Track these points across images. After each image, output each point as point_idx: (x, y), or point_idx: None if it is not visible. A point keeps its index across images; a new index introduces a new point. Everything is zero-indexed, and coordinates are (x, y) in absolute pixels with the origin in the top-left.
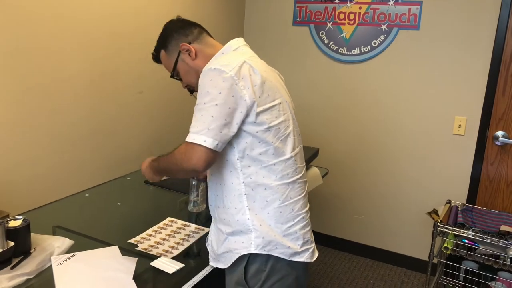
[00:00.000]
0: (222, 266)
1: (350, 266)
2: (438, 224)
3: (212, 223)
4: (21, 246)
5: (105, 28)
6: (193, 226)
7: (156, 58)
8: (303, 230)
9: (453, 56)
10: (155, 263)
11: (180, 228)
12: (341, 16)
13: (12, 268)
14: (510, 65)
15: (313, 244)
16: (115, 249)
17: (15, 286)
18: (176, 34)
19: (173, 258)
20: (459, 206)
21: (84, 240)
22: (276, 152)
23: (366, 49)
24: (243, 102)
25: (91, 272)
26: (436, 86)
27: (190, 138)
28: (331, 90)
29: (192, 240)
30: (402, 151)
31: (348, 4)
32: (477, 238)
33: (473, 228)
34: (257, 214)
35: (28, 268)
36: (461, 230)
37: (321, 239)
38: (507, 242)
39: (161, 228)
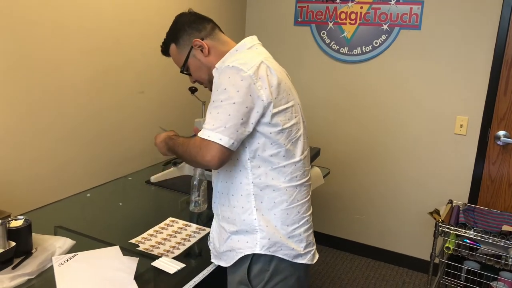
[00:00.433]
0: (224, 264)
1: (352, 266)
2: (439, 224)
3: (214, 220)
4: (22, 246)
5: (107, 25)
6: (194, 226)
7: (165, 51)
8: (306, 233)
9: (455, 56)
10: (156, 263)
11: (181, 228)
12: (343, 16)
13: (14, 268)
14: None
15: (314, 247)
16: (116, 249)
17: (17, 286)
18: (188, 28)
19: (174, 258)
20: (460, 206)
21: (85, 240)
22: (287, 155)
23: (367, 49)
24: (260, 102)
25: (92, 272)
26: (438, 85)
27: (204, 134)
28: (332, 90)
29: (193, 240)
30: (404, 151)
31: (350, 4)
32: (478, 238)
33: (475, 228)
34: (264, 215)
35: (29, 268)
36: (463, 230)
37: (323, 239)
38: (508, 242)
39: (162, 228)
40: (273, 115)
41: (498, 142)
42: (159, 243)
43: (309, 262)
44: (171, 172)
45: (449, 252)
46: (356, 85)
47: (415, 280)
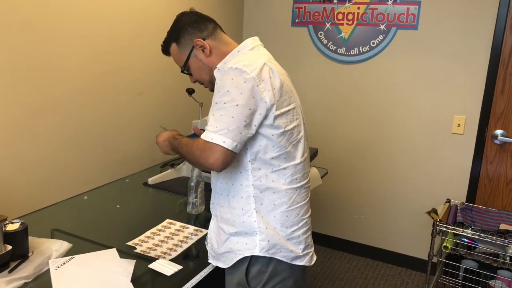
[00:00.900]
0: (222, 265)
1: (350, 266)
2: (437, 223)
3: (212, 221)
4: (18, 249)
5: (106, 29)
6: (191, 228)
7: (166, 50)
8: (305, 235)
9: (452, 55)
10: (153, 265)
11: (178, 230)
12: (340, 16)
13: (10, 271)
14: (509, 63)
15: (312, 249)
16: (113, 251)
17: None
18: (190, 28)
19: (171, 260)
20: (458, 205)
21: (82, 243)
22: (288, 157)
23: (364, 49)
24: (263, 104)
25: (89, 275)
26: (435, 85)
27: (207, 137)
28: (330, 90)
29: (191, 242)
30: (401, 151)
31: (347, 5)
32: (476, 237)
33: (473, 227)
34: (264, 217)
35: (25, 271)
36: (461, 229)
37: (321, 240)
38: (506, 240)
39: (160, 230)
40: (276, 117)
41: (496, 141)
42: (156, 245)
43: (307, 264)
44: (168, 174)
45: (447, 251)
46: (354, 85)
47: (413, 279)
